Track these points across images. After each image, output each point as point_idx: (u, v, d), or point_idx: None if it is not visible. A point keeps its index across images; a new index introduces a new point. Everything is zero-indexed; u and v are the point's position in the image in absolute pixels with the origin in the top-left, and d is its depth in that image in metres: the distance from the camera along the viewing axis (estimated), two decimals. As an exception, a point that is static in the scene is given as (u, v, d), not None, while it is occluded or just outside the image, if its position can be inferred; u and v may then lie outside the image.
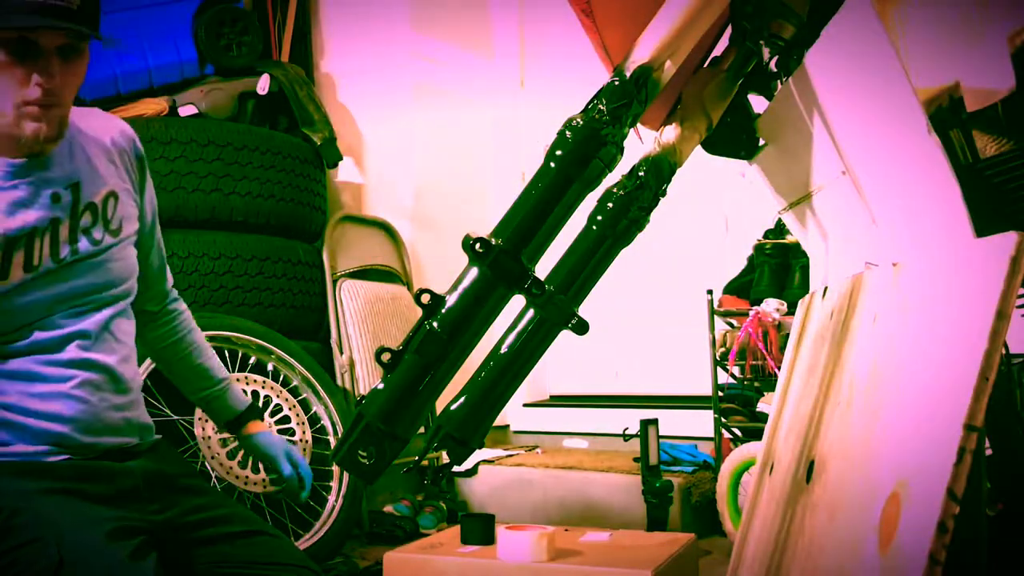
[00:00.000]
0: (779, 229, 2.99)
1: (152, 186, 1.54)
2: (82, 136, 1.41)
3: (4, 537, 1.21)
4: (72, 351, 1.33)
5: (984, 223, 1.10)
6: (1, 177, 1.30)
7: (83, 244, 1.35)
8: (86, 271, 1.36)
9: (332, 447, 2.66)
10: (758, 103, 1.78)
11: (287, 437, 2.57)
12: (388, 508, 3.04)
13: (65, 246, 1.34)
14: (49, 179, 1.34)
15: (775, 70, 1.60)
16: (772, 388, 2.64)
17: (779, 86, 1.64)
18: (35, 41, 1.23)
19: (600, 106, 1.32)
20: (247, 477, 2.45)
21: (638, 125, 1.60)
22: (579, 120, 1.31)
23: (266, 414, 2.57)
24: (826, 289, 1.60)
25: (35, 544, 1.19)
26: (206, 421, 2.44)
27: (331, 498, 2.63)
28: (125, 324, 1.44)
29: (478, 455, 3.34)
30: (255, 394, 2.57)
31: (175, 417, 2.37)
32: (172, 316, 1.61)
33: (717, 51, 1.69)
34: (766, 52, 1.58)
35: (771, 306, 2.75)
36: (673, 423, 3.12)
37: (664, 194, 1.44)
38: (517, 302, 1.33)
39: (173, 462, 1.49)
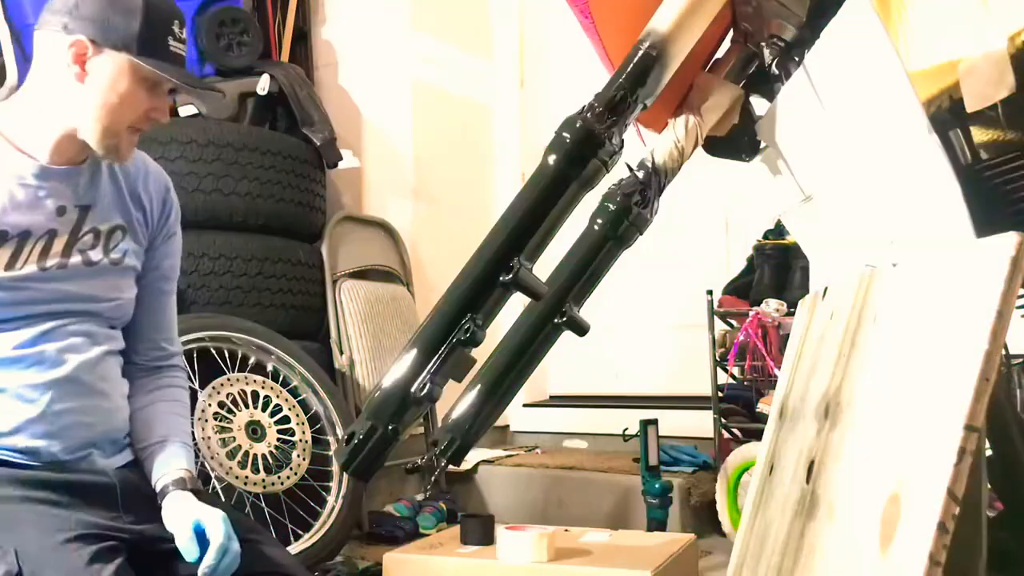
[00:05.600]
0: (779, 229, 2.99)
1: (176, 244, 1.55)
2: (116, 169, 1.46)
3: None
4: (49, 361, 1.34)
5: (984, 223, 1.10)
6: (31, 175, 1.36)
7: (74, 259, 1.38)
8: (71, 278, 1.38)
9: (332, 447, 2.66)
10: (758, 104, 1.78)
11: (286, 437, 2.57)
12: (388, 508, 3.04)
13: (55, 258, 1.36)
14: (65, 193, 1.39)
15: (777, 72, 1.60)
16: (772, 388, 2.64)
17: (780, 88, 1.64)
18: (160, 83, 1.36)
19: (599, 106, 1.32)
20: (247, 477, 2.45)
21: (639, 126, 1.60)
22: (578, 120, 1.31)
23: (266, 414, 2.57)
24: (826, 289, 1.60)
25: None
26: (205, 421, 2.44)
27: (331, 499, 2.63)
28: (112, 354, 1.44)
29: (478, 455, 3.34)
30: (255, 394, 2.57)
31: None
32: (162, 376, 1.55)
33: (718, 54, 1.69)
34: (767, 54, 1.58)
35: (771, 306, 2.75)
36: (673, 423, 3.12)
37: (662, 193, 1.44)
38: (518, 302, 1.33)
39: None
